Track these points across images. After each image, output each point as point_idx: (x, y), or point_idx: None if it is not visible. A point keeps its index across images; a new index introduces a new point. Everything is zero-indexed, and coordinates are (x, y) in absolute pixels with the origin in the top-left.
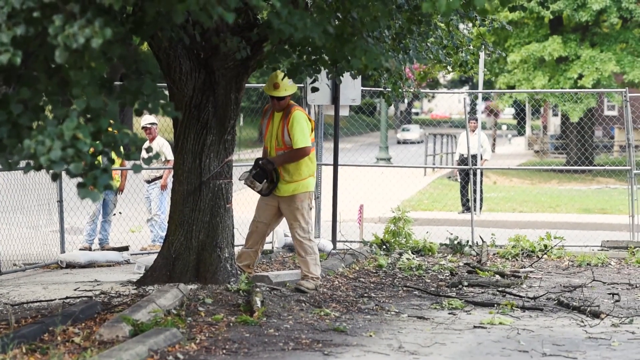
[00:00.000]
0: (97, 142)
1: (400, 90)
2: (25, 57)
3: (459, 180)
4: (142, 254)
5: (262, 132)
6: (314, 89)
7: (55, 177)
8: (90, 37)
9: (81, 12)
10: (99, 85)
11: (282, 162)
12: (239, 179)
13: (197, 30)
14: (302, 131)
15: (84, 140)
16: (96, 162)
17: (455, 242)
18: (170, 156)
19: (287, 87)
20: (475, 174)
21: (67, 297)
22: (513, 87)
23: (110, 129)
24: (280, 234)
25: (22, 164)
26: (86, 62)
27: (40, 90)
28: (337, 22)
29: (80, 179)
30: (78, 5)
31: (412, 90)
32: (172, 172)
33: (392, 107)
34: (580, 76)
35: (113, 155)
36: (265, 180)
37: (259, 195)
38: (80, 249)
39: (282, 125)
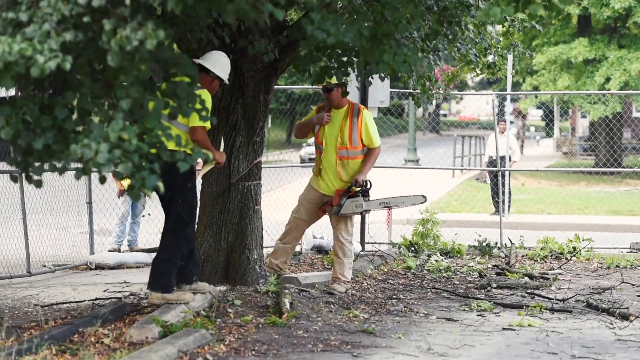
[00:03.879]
0: (142, 142)
1: (429, 92)
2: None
3: (489, 182)
4: None
5: (298, 130)
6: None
7: (103, 180)
8: (144, 39)
9: (131, 15)
10: (143, 87)
11: (368, 170)
12: (350, 213)
13: (226, 32)
14: (376, 130)
15: (129, 140)
16: (143, 163)
17: (484, 244)
18: None
19: None
20: (503, 176)
21: (96, 299)
22: (539, 89)
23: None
24: (309, 236)
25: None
26: (136, 64)
27: (85, 94)
28: (369, 24)
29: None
30: (128, 9)
31: (441, 92)
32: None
33: (420, 109)
34: (607, 79)
35: None
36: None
37: (288, 197)
38: (109, 251)
39: (350, 125)
